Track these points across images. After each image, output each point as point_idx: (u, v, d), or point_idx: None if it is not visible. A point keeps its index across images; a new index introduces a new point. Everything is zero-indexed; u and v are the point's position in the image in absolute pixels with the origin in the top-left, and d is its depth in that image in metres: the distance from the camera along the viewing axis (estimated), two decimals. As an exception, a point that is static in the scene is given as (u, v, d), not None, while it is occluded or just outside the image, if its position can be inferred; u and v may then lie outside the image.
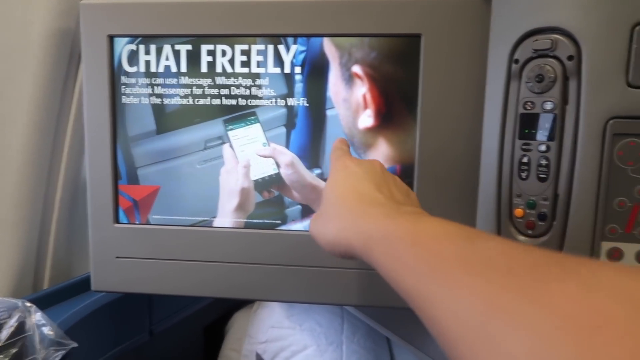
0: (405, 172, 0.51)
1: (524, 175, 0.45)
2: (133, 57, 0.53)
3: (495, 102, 0.46)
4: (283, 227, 0.54)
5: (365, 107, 0.51)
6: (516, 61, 0.44)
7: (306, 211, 0.54)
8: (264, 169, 0.53)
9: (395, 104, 0.51)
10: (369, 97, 0.51)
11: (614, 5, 0.40)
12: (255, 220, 0.54)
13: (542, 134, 0.44)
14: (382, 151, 0.51)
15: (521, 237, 0.46)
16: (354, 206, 0.34)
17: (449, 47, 0.48)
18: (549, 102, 0.43)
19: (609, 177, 0.42)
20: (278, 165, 0.53)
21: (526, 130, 0.44)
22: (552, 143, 0.43)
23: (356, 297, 0.54)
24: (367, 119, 0.51)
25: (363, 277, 0.54)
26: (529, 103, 0.44)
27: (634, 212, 0.42)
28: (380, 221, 0.31)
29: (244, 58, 0.52)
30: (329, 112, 0.52)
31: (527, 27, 0.43)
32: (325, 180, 0.53)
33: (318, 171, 0.53)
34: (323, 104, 0.52)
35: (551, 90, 0.43)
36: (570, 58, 0.42)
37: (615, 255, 0.42)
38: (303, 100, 0.52)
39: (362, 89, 0.51)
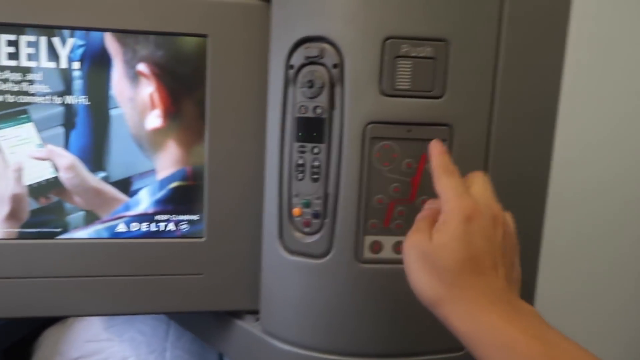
0: (195, 174, 0.51)
1: (300, 176, 0.47)
2: None
3: (276, 105, 0.48)
4: (65, 236, 0.50)
5: (153, 107, 0.49)
6: (291, 67, 0.46)
7: (90, 217, 0.50)
8: (39, 173, 0.49)
9: (184, 104, 0.50)
10: (156, 97, 0.49)
11: (367, 20, 0.44)
12: (30, 230, 0.49)
13: (314, 137, 0.46)
14: (172, 153, 0.50)
15: (298, 234, 0.48)
16: (468, 284, 0.35)
17: (235, 49, 0.49)
18: (318, 107, 0.46)
19: (369, 176, 0.46)
20: (56, 169, 0.49)
21: (300, 134, 0.46)
22: (323, 145, 0.46)
23: (153, 305, 0.53)
24: (155, 120, 0.49)
25: (166, 284, 0.52)
26: (303, 107, 0.46)
27: (390, 208, 0.46)
28: (497, 323, 0.33)
29: (12, 49, 0.47)
30: (113, 112, 0.49)
31: (299, 34, 0.45)
32: (110, 183, 0.50)
33: (102, 174, 0.50)
34: (106, 102, 0.49)
35: (320, 96, 0.45)
36: (335, 66, 0.45)
37: (376, 248, 0.47)
38: (83, 98, 0.48)
39: (148, 88, 0.49)
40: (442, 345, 0.49)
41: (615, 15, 0.50)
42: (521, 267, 0.40)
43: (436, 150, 0.42)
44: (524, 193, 0.49)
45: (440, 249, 0.36)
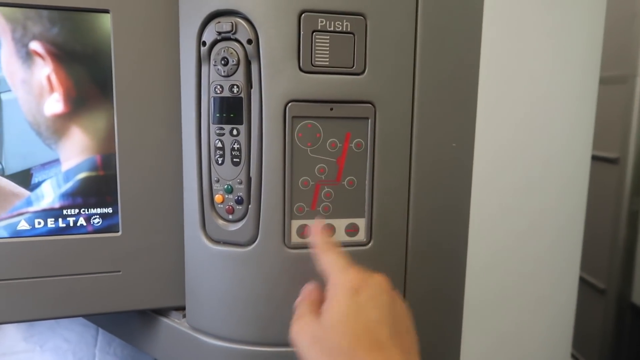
0: (106, 163, 0.46)
1: (220, 160, 0.44)
2: None
3: (190, 85, 0.44)
4: (-46, 237, 0.44)
5: (52, 90, 0.44)
6: (204, 43, 0.43)
7: (-15, 215, 0.45)
8: None
9: (87, 86, 0.45)
10: (54, 78, 0.44)
11: (282, -8, 0.41)
12: None
13: (232, 118, 0.43)
14: (77, 140, 0.46)
15: (221, 222, 0.46)
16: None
17: (141, 25, 0.45)
18: (235, 86, 0.43)
19: (292, 158, 0.44)
20: (-62, 162, 0.43)
21: (218, 115, 0.44)
22: (242, 127, 0.43)
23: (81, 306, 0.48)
24: (55, 104, 0.45)
25: (80, 284, 0.48)
26: (219, 87, 0.43)
27: (316, 190, 0.45)
28: None
29: None
30: (4, 96, 0.44)
31: (210, 8, 0.42)
32: (6, 176, 0.45)
33: (-4, 167, 0.44)
34: (-5, 86, 0.43)
35: (236, 74, 0.43)
36: (249, 42, 0.42)
37: (304, 232, 0.45)
38: (-34, 81, 0.43)
39: (45, 69, 0.44)
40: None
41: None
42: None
43: (315, 230, 0.43)
44: (449, 173, 0.49)
45: (331, 330, 0.35)
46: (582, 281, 0.92)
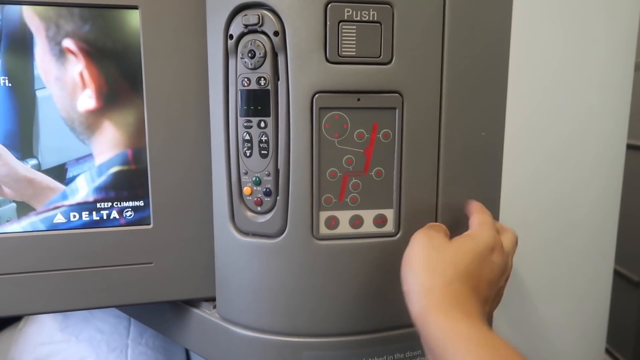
0: (137, 157, 0.47)
1: (248, 152, 0.45)
2: None
3: (217, 79, 0.45)
4: (-5, 230, 0.46)
5: (84, 86, 0.45)
6: (231, 36, 0.43)
7: (24, 209, 0.46)
8: (-40, 163, 0.44)
9: (118, 82, 0.46)
10: (86, 75, 0.45)
11: (307, -18, 0.41)
12: (-46, 226, 0.45)
13: (259, 110, 0.44)
14: (109, 135, 0.47)
15: (250, 214, 0.46)
16: (463, 293, 0.36)
17: (169, 20, 0.46)
18: (262, 78, 0.43)
19: (319, 149, 0.43)
20: (-21, 158, 0.45)
21: (245, 107, 0.44)
22: (269, 119, 0.44)
23: (125, 296, 0.50)
24: (87, 100, 0.46)
25: (113, 275, 0.49)
26: (246, 79, 0.43)
27: (344, 181, 0.45)
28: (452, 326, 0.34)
29: None
30: (39, 93, 0.45)
31: (237, 1, 0.42)
32: (42, 171, 0.46)
33: (33, 161, 0.46)
34: (31, 83, 0.45)
35: (263, 66, 0.43)
36: (276, 34, 0.42)
37: (332, 223, 0.45)
38: (3, 79, 0.44)
39: (77, 66, 0.45)
40: (404, 321, 0.48)
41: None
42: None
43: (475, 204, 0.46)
44: (478, 162, 0.48)
45: (457, 250, 0.39)
46: (617, 274, 0.89)
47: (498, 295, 0.42)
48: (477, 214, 0.44)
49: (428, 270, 0.38)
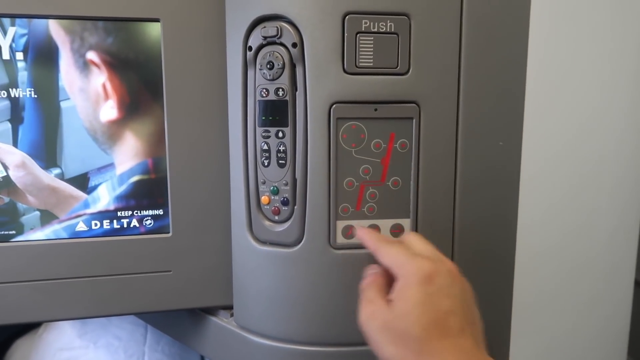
0: (157, 167, 0.48)
1: (266, 162, 0.45)
2: None
3: (236, 89, 0.46)
4: (20, 238, 0.47)
5: (107, 97, 0.47)
6: (250, 48, 0.44)
7: (47, 217, 0.47)
8: (-13, 173, 0.46)
9: (140, 93, 0.47)
10: (109, 86, 0.46)
11: (326, -5, 0.42)
12: (-19, 233, 0.46)
13: (277, 121, 0.44)
14: (130, 145, 0.48)
15: (268, 223, 0.46)
16: (437, 350, 0.33)
17: (189, 32, 0.47)
18: (280, 89, 0.44)
19: (337, 159, 0.44)
20: (6, 167, 0.46)
21: (264, 118, 0.45)
22: (287, 129, 0.44)
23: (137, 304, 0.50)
24: (110, 111, 0.47)
25: (133, 283, 0.50)
26: (264, 90, 0.44)
27: (361, 191, 0.45)
28: None
29: (-52, 41, 0.44)
30: (63, 104, 0.46)
31: (256, 14, 0.43)
32: (66, 180, 0.47)
33: (57, 171, 0.47)
34: (55, 94, 0.46)
35: (281, 77, 0.43)
36: (294, 45, 0.43)
37: (349, 232, 0.45)
38: (30, 91, 0.45)
39: (100, 78, 0.46)
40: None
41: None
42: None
43: (362, 231, 0.42)
44: (495, 172, 0.48)
45: (403, 318, 0.35)
46: (637, 282, 0.88)
47: (471, 312, 0.38)
48: (385, 252, 0.39)
49: (392, 344, 0.35)
